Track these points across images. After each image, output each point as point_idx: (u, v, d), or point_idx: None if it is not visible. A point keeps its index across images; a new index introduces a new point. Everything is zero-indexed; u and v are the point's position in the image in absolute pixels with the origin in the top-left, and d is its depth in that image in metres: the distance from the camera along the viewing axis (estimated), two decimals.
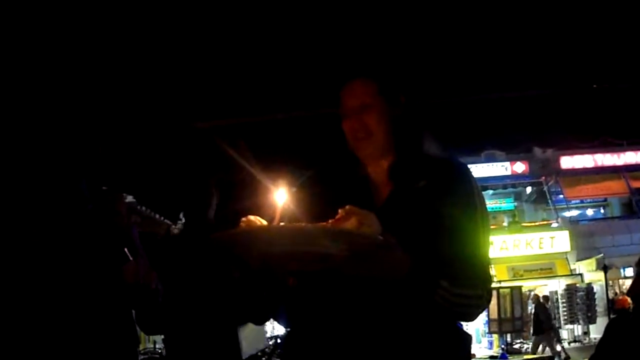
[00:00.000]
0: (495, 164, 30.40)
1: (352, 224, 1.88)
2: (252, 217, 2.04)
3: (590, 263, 25.17)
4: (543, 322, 20.33)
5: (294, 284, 2.22)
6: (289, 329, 2.40)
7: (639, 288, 2.70)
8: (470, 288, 2.14)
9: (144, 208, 10.64)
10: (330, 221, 1.93)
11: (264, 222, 2.03)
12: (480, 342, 27.31)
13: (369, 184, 2.35)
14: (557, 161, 29.90)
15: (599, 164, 29.76)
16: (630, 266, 21.59)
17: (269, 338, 15.45)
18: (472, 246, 2.21)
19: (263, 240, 1.92)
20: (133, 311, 2.97)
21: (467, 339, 2.29)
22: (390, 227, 1.96)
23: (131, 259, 2.79)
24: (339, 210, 1.92)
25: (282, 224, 1.98)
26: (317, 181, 2.38)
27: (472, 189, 2.29)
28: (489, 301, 2.25)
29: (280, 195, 2.09)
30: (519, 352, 20.19)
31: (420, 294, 2.07)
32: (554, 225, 28.38)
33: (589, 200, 32.05)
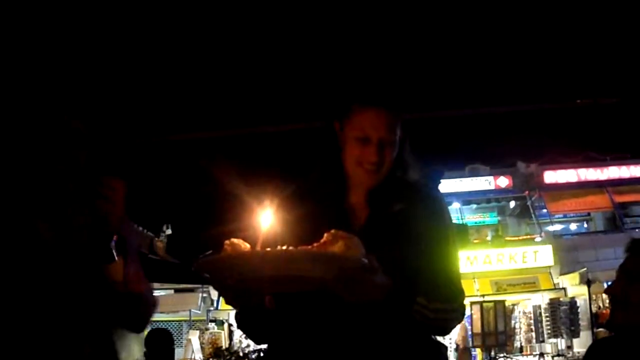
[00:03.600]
0: (478, 178, 30.50)
1: (340, 248, 1.89)
2: (235, 240, 2.03)
3: (574, 277, 25.25)
4: None
5: (272, 305, 2.23)
6: (268, 345, 2.40)
7: (618, 289, 2.69)
8: (445, 303, 2.22)
9: None
10: (315, 244, 1.93)
11: (247, 246, 2.02)
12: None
13: (347, 206, 2.39)
14: (541, 176, 30.00)
15: (583, 178, 29.88)
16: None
17: (253, 351, 15.39)
18: (445, 264, 2.31)
19: (251, 265, 1.91)
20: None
21: (442, 350, 2.37)
22: (369, 249, 1.97)
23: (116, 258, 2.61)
24: (325, 234, 1.93)
25: (268, 249, 1.96)
26: (296, 201, 2.37)
27: (444, 210, 2.39)
28: (463, 314, 2.35)
29: (263, 216, 2.09)
30: None
31: (398, 311, 2.11)
32: (538, 239, 28.46)
33: (572, 215, 32.18)
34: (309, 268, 1.86)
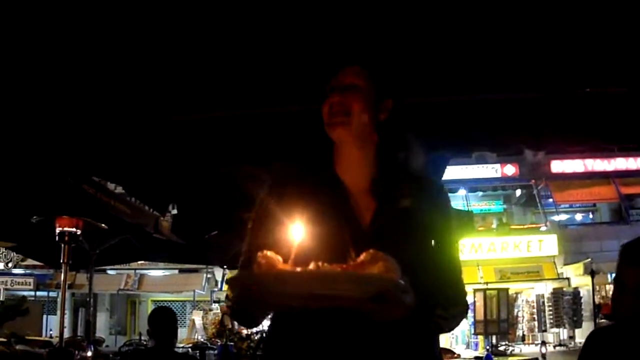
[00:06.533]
0: (485, 165, 30.44)
1: (379, 269, 1.87)
2: (268, 254, 1.98)
3: (578, 267, 25.25)
4: None
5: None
6: (270, 329, 2.38)
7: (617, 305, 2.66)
8: (457, 306, 2.23)
9: (132, 199, 10.57)
10: (352, 263, 1.91)
11: (280, 259, 1.97)
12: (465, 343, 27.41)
13: (349, 196, 2.28)
14: (548, 165, 29.91)
15: (589, 169, 29.78)
16: None
17: (256, 332, 15.42)
18: (454, 262, 2.30)
19: (291, 284, 1.88)
20: None
21: (435, 337, 2.34)
22: (378, 248, 1.94)
23: None
24: (363, 254, 1.90)
25: (309, 268, 1.88)
26: (298, 189, 2.28)
27: (450, 208, 2.38)
28: (467, 312, 2.33)
29: (295, 230, 2.03)
30: (504, 354, 20.23)
31: (418, 325, 2.12)
32: (543, 228, 28.45)
33: (578, 205, 32.11)
34: (348, 288, 1.84)
